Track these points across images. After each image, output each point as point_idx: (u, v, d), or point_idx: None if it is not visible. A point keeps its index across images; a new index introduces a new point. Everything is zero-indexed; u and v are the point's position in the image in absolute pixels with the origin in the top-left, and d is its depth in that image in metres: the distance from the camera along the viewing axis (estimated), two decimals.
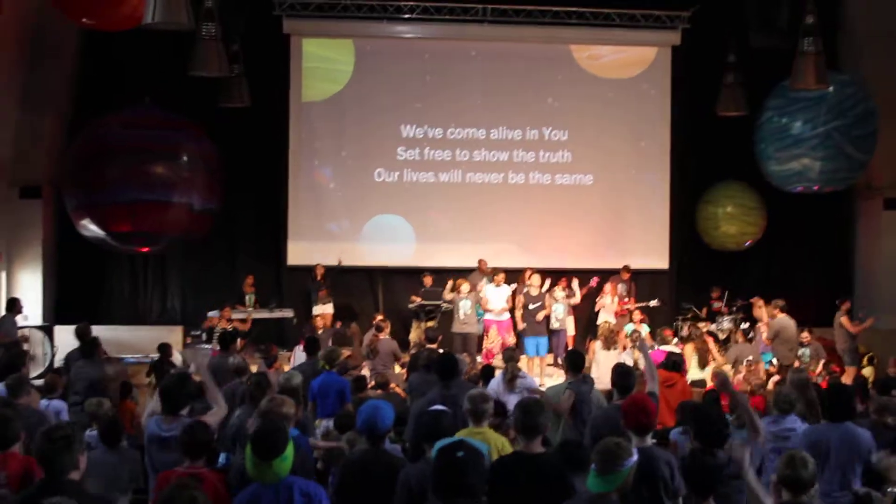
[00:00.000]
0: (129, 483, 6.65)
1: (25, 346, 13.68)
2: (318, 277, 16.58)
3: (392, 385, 11.23)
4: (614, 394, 7.60)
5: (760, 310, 14.99)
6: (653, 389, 7.49)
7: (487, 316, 15.56)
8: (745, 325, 15.71)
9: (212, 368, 9.66)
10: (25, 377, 8.46)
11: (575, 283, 16.04)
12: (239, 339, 12.40)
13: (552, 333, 15.55)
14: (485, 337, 15.60)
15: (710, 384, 12.66)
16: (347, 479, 5.56)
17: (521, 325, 15.48)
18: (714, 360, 14.32)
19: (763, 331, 14.60)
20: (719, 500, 5.17)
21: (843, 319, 14.81)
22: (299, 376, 8.09)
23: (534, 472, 5.60)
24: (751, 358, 13.96)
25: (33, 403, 8.01)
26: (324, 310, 16.33)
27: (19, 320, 14.43)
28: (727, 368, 13.71)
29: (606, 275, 16.66)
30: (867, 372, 13.87)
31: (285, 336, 15.97)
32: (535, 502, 5.50)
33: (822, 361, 14.00)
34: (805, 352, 14.19)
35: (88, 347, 11.03)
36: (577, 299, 15.94)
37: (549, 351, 15.52)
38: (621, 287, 16.44)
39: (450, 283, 15.71)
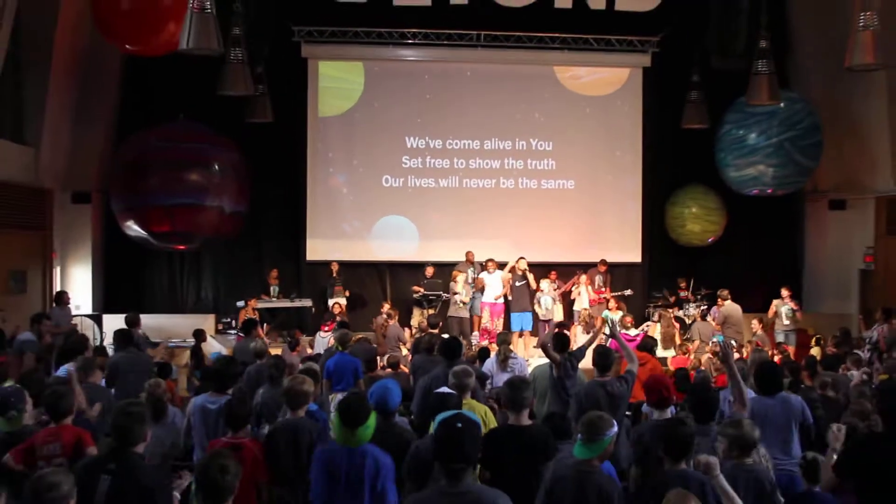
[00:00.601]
0: (169, 450, 6.66)
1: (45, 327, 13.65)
2: (334, 273, 16.60)
3: (401, 366, 11.25)
4: (595, 371, 7.62)
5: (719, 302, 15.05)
6: (631, 368, 7.53)
7: (483, 299, 15.65)
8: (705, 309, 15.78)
9: (236, 351, 9.72)
10: (92, 359, 8.47)
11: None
12: (265, 325, 12.45)
13: (541, 322, 15.64)
14: (479, 317, 15.72)
15: (670, 363, 12.77)
16: None
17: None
18: (678, 342, 14.41)
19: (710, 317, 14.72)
20: None
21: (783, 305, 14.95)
22: (314, 363, 8.16)
23: (522, 442, 5.63)
24: (715, 339, 14.02)
25: (98, 381, 8.03)
26: (338, 301, 16.34)
27: (71, 310, 14.44)
28: (696, 344, 13.79)
29: (586, 268, 16.66)
30: (815, 351, 13.86)
31: (304, 323, 15.96)
32: (524, 469, 5.53)
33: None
34: (761, 335, 14.33)
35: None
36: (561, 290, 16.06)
37: (534, 331, 15.74)
38: (598, 278, 16.44)
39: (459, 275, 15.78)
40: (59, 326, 13.17)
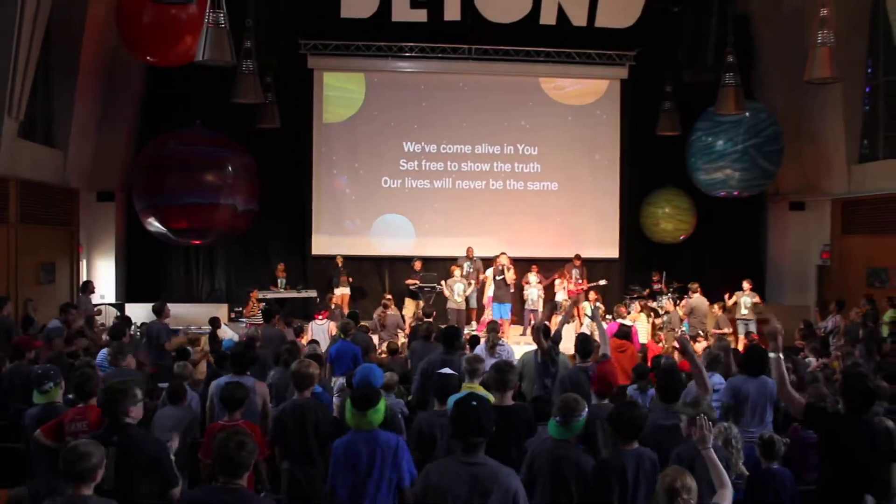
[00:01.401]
0: (188, 430, 6.68)
1: (100, 320, 13.69)
2: (339, 265, 16.64)
3: (401, 352, 11.27)
4: (577, 357, 7.67)
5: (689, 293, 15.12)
6: (605, 352, 7.58)
7: (489, 293, 15.87)
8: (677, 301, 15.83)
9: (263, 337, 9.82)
10: (124, 344, 8.50)
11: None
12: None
13: (527, 311, 15.75)
14: (486, 311, 15.95)
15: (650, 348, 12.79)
16: None
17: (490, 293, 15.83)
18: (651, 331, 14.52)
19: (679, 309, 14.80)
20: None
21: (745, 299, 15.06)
22: (320, 347, 8.19)
23: (506, 420, 5.66)
24: (685, 328, 14.10)
25: (131, 365, 8.06)
26: (343, 291, 16.42)
27: (95, 299, 14.45)
28: (668, 333, 13.85)
29: (568, 262, 16.71)
30: None
31: (309, 312, 15.97)
32: (507, 444, 5.56)
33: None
34: (721, 316, 14.48)
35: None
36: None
37: (518, 319, 16.06)
38: (575, 272, 16.52)
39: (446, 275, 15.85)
40: (87, 311, 13.24)
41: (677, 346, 11.84)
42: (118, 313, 15.13)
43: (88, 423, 5.67)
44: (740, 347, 12.74)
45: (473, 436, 4.06)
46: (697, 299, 14.52)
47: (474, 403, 4.15)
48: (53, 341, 10.18)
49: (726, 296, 15.04)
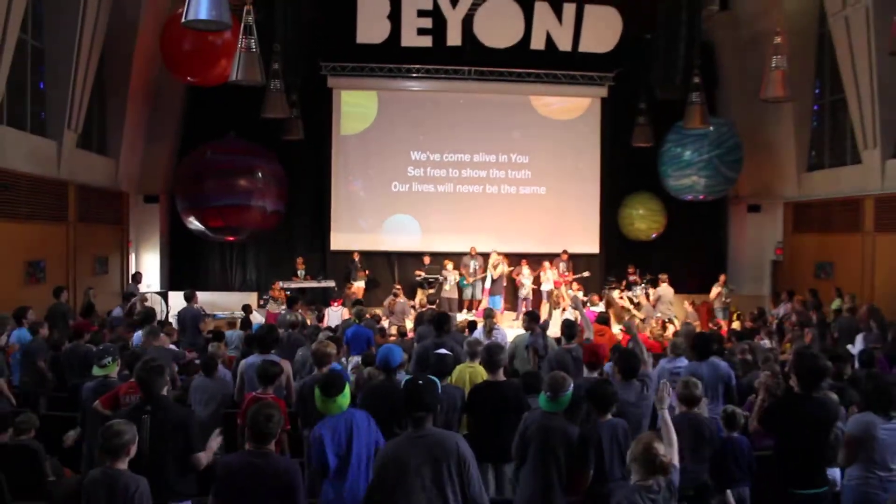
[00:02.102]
0: (221, 400, 6.71)
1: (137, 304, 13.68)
2: (356, 259, 16.64)
3: (407, 334, 11.29)
4: (562, 339, 7.68)
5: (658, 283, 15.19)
6: (589, 336, 7.60)
7: (486, 285, 15.95)
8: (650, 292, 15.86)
9: (279, 322, 9.76)
10: (157, 327, 8.53)
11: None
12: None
13: (520, 300, 15.81)
14: (482, 299, 16.03)
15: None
16: (370, 401, 5.61)
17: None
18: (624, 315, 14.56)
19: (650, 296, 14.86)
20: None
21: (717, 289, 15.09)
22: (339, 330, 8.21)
23: (497, 394, 5.71)
24: (659, 315, 14.15)
25: (165, 344, 8.09)
26: (359, 284, 16.41)
27: (143, 287, 14.52)
28: (641, 322, 13.89)
29: (553, 257, 16.74)
30: (736, 325, 13.95)
31: (328, 300, 16.01)
32: (499, 414, 5.63)
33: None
34: (691, 313, 14.51)
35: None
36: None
37: (506, 304, 16.17)
38: (562, 265, 16.54)
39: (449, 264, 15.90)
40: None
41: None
42: (163, 304, 15.21)
43: (141, 395, 5.71)
44: (724, 332, 12.77)
45: (418, 410, 4.06)
46: (664, 288, 14.60)
47: (420, 382, 4.16)
48: (116, 328, 10.28)
49: (713, 292, 15.14)
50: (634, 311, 14.56)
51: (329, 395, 4.70)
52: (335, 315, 12.55)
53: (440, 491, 3.92)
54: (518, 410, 5.46)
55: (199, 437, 4.83)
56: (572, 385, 5.03)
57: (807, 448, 4.72)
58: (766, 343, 10.26)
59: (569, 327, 7.72)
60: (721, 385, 6.61)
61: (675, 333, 10.83)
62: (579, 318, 8.39)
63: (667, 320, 13.87)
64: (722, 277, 15.35)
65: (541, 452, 4.87)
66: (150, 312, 9.17)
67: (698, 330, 10.60)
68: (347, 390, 4.82)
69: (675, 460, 4.08)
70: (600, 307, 13.19)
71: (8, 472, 5.39)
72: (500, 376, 5.86)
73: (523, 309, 14.78)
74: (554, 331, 10.68)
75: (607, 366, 7.92)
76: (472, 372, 6.45)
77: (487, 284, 15.91)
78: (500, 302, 15.69)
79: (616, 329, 13.51)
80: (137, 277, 14.44)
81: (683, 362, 7.12)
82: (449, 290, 15.44)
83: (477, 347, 6.56)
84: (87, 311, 10.93)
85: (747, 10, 16.02)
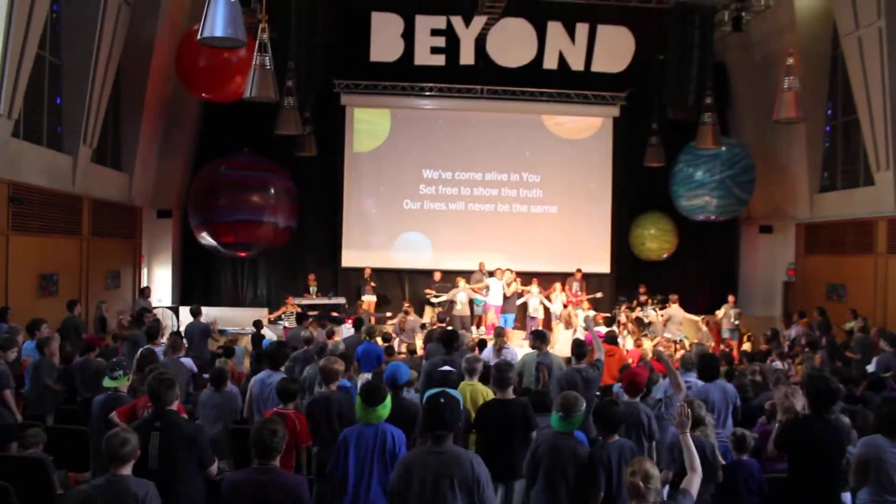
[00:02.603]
0: (229, 415, 6.70)
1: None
2: (366, 276, 16.62)
3: (417, 352, 11.26)
4: (572, 359, 7.65)
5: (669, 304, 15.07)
6: (600, 357, 7.56)
7: (489, 300, 15.77)
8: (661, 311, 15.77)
9: (288, 339, 9.74)
10: (177, 339, 8.57)
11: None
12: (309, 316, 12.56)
13: (529, 318, 15.72)
14: (485, 315, 15.85)
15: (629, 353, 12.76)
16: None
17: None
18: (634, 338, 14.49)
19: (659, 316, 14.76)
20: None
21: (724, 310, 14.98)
22: (343, 345, 8.19)
23: (505, 412, 5.68)
24: (668, 335, 14.08)
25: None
26: (369, 299, 16.38)
27: (153, 302, 14.53)
28: (651, 342, 13.81)
29: (565, 277, 16.67)
30: (746, 346, 13.86)
31: (339, 316, 16.00)
32: (506, 432, 5.60)
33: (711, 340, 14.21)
34: (706, 332, 14.40)
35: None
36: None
37: (516, 323, 16.03)
38: (575, 284, 16.48)
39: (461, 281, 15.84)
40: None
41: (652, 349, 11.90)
42: (174, 319, 15.24)
43: (152, 409, 5.71)
44: (735, 354, 12.69)
45: (439, 428, 4.09)
46: (674, 309, 14.52)
47: (442, 401, 4.17)
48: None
49: (719, 313, 15.01)
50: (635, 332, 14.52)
51: (370, 405, 4.80)
52: (348, 333, 12.54)
53: None
54: (526, 429, 5.44)
55: (209, 450, 4.84)
56: (584, 405, 5.01)
57: (819, 471, 4.67)
58: (778, 365, 10.17)
59: (578, 347, 7.68)
60: (729, 407, 6.55)
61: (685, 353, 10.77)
62: (588, 336, 8.36)
63: (676, 341, 13.78)
64: (731, 298, 15.23)
65: (551, 472, 4.86)
66: (156, 326, 9.14)
67: (711, 350, 10.55)
68: (388, 402, 4.90)
69: (695, 486, 4.04)
70: (601, 327, 13.13)
71: (16, 485, 5.39)
72: (509, 394, 5.85)
73: (532, 328, 14.75)
74: (564, 350, 10.65)
75: (616, 387, 7.89)
76: (472, 389, 6.43)
77: (499, 302, 15.80)
78: (511, 321, 15.63)
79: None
80: (146, 292, 14.44)
81: (693, 378, 7.07)
82: (461, 308, 15.36)
83: (475, 364, 6.55)
84: (101, 324, 10.97)
85: (760, 31, 16.03)
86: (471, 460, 4.07)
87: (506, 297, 15.60)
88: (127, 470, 4.19)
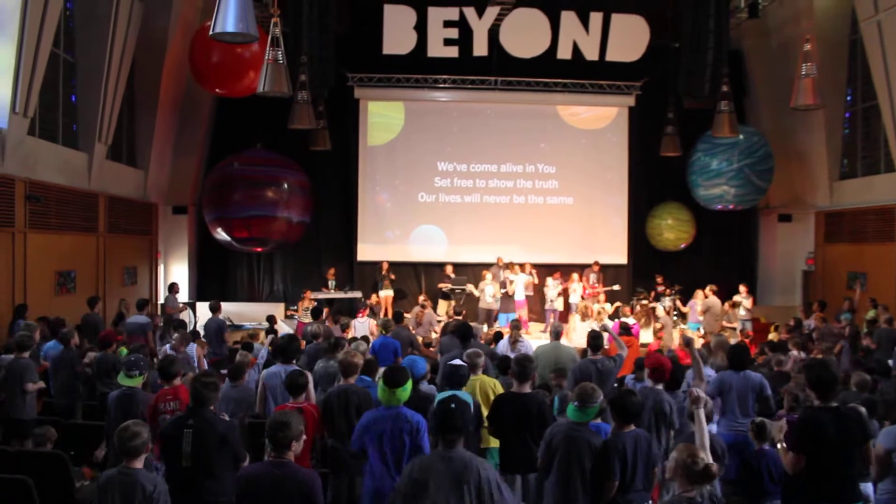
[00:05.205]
0: (246, 408, 6.74)
1: (185, 315, 13.86)
2: (383, 270, 16.64)
3: (432, 345, 11.28)
4: (588, 351, 7.64)
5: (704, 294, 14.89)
6: (621, 353, 7.57)
7: (515, 297, 15.61)
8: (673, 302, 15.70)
9: (303, 334, 9.78)
10: (187, 333, 8.68)
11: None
12: (325, 310, 12.58)
13: (547, 311, 15.69)
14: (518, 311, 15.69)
15: (650, 344, 12.72)
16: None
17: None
18: (652, 325, 14.46)
19: (698, 307, 14.58)
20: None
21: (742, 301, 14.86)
22: (364, 344, 8.19)
23: (521, 405, 5.69)
24: (681, 326, 14.01)
25: (199, 356, 8.25)
26: (386, 293, 16.39)
27: (179, 297, 14.63)
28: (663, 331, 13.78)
29: (582, 268, 16.63)
30: (773, 336, 13.75)
31: (354, 310, 16.05)
32: (520, 426, 5.62)
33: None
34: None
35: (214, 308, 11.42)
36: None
37: (531, 315, 15.99)
38: (592, 276, 16.43)
39: (474, 278, 15.77)
40: (173, 308, 13.46)
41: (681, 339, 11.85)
42: (192, 314, 15.32)
43: (179, 401, 5.78)
44: (750, 344, 12.60)
45: (450, 433, 4.12)
46: (713, 299, 14.37)
47: (452, 406, 4.19)
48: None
49: (728, 303, 14.91)
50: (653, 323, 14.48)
51: (389, 386, 4.99)
52: (361, 327, 12.56)
53: None
54: (540, 424, 5.45)
55: (242, 447, 4.90)
56: (601, 397, 5.01)
57: (835, 461, 4.63)
58: (794, 353, 10.10)
59: (594, 339, 7.68)
60: (751, 396, 6.51)
61: (705, 345, 10.72)
62: (608, 335, 8.36)
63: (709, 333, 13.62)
64: (743, 288, 15.05)
65: (566, 463, 4.87)
66: (181, 322, 9.23)
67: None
68: (409, 385, 5.08)
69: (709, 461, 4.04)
70: (631, 319, 13.05)
71: (36, 479, 5.47)
72: (526, 388, 5.86)
73: (551, 320, 14.71)
74: (580, 342, 10.63)
75: (628, 378, 7.88)
76: (480, 383, 6.45)
77: (520, 296, 15.72)
78: (524, 313, 15.57)
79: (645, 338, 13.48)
80: (174, 288, 14.35)
81: (709, 371, 7.04)
82: (491, 301, 15.28)
83: (476, 360, 6.58)
84: (117, 321, 11.05)
85: (776, 17, 15.89)
86: (478, 465, 4.09)
87: (508, 295, 15.47)
88: (139, 463, 4.27)
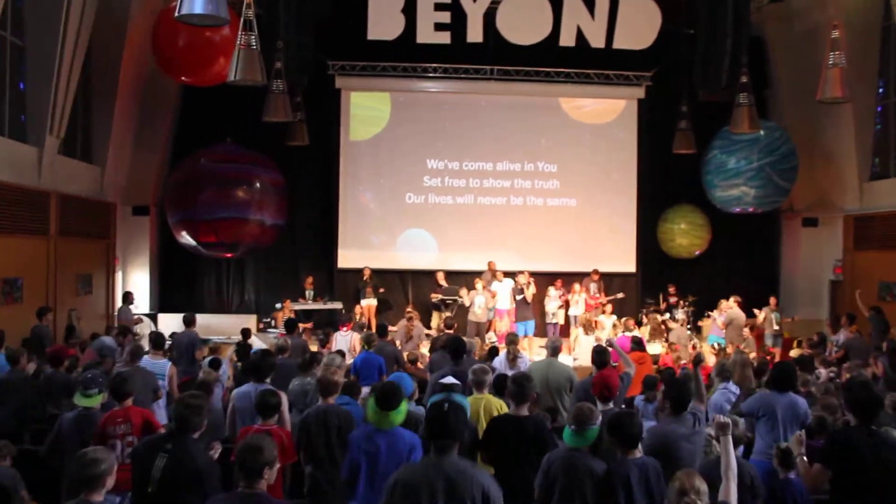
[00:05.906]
0: (213, 433, 6.64)
1: (138, 329, 13.76)
2: (365, 278, 16.61)
3: (418, 362, 11.24)
4: (594, 368, 7.64)
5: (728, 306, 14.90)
6: (628, 371, 7.54)
7: (497, 306, 15.61)
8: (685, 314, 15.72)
9: (277, 348, 9.71)
10: (140, 346, 8.59)
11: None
12: (300, 324, 12.52)
13: (548, 325, 15.67)
14: (497, 322, 15.68)
15: (662, 358, 12.71)
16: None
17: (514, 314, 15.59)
18: (664, 337, 14.47)
19: (718, 319, 14.59)
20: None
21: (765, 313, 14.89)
22: (339, 358, 8.13)
23: (518, 429, 5.65)
24: (696, 340, 14.02)
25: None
26: (369, 303, 16.36)
27: (133, 309, 14.57)
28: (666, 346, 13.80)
29: (584, 277, 16.64)
30: (795, 353, 13.78)
31: (335, 322, 16.00)
32: (518, 452, 5.58)
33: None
34: (750, 340, 14.36)
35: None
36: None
37: (541, 333, 15.70)
38: (593, 286, 16.46)
39: (467, 288, 15.74)
40: (127, 320, 13.38)
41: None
42: (153, 327, 15.22)
43: (131, 424, 5.72)
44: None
45: (444, 438, 4.10)
46: (736, 311, 14.41)
47: (446, 407, 4.18)
48: (105, 359, 10.28)
49: (760, 317, 14.93)
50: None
51: (382, 409, 4.97)
52: (343, 340, 12.51)
53: None
54: (539, 450, 5.41)
55: (219, 488, 4.65)
56: (600, 418, 4.98)
57: (865, 485, 4.62)
58: (822, 373, 10.09)
59: (600, 354, 7.68)
60: (796, 423, 6.36)
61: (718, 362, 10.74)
62: (614, 351, 8.35)
63: (723, 347, 13.63)
64: (772, 301, 15.17)
65: (566, 492, 4.82)
66: (137, 351, 9.08)
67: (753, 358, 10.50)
68: (403, 407, 5.07)
69: (733, 495, 4.02)
70: (636, 332, 13.08)
71: None
72: (524, 411, 5.80)
73: (552, 334, 14.72)
74: (584, 358, 10.63)
75: (637, 399, 7.87)
76: (485, 402, 6.41)
77: (509, 306, 15.71)
78: (532, 328, 15.53)
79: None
80: (129, 297, 14.41)
81: (733, 387, 7.01)
82: (480, 313, 15.27)
83: (483, 377, 6.51)
84: (68, 334, 10.96)
85: (801, 0, 15.96)
86: (473, 473, 4.07)
87: (526, 302, 15.49)
88: (98, 496, 4.16)
